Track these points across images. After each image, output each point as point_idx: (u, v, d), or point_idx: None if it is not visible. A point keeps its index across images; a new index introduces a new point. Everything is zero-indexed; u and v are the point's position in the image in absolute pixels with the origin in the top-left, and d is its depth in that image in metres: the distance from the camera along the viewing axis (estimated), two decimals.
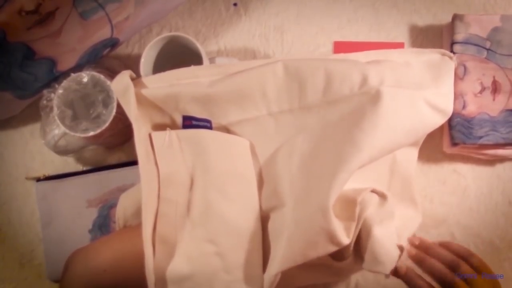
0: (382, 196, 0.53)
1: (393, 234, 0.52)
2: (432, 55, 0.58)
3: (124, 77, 0.53)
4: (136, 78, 0.55)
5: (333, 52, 0.66)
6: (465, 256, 0.50)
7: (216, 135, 0.54)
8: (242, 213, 0.51)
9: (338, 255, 0.52)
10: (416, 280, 0.49)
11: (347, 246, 0.50)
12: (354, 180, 0.51)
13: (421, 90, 0.55)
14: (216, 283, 0.49)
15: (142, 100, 0.53)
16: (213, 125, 0.55)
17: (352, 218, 0.50)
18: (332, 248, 0.48)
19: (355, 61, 0.56)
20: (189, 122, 0.53)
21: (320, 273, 0.55)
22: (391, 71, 0.55)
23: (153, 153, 0.51)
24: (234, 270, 0.49)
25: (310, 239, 0.48)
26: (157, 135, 0.52)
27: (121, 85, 0.52)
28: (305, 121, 0.55)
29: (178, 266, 0.48)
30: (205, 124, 0.54)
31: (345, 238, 0.48)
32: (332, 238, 0.48)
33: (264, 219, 0.53)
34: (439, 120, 0.56)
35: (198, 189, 0.51)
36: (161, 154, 0.51)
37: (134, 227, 0.52)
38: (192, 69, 0.55)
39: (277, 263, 0.48)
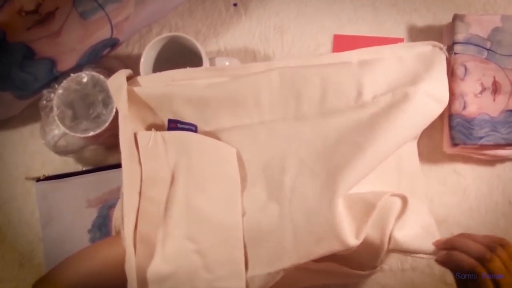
0: (403, 199, 0.52)
1: (418, 231, 0.51)
2: (423, 47, 0.59)
3: (119, 76, 0.53)
4: (133, 77, 0.55)
5: (332, 46, 0.66)
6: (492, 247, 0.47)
7: (201, 138, 0.54)
8: (223, 211, 0.51)
9: (365, 263, 0.52)
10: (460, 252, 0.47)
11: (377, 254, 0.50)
12: (364, 181, 0.52)
13: (418, 84, 0.55)
14: (197, 282, 0.48)
15: (135, 99, 0.53)
16: (203, 130, 0.55)
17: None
18: (337, 246, 0.48)
19: (350, 66, 0.56)
20: (174, 125, 0.54)
21: (331, 276, 0.55)
22: (385, 74, 0.56)
23: (138, 152, 0.51)
24: (216, 268, 0.49)
25: (315, 232, 0.48)
26: (142, 135, 0.52)
27: (115, 83, 0.53)
28: (299, 130, 0.55)
29: (158, 265, 0.48)
30: (190, 127, 0.54)
31: (352, 238, 0.48)
32: (337, 233, 0.47)
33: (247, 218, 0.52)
34: (439, 109, 0.57)
35: (180, 188, 0.51)
36: (145, 153, 0.51)
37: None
38: (188, 71, 0.55)
39: (282, 261, 0.48)
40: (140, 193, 0.50)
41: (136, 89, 0.54)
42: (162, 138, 0.52)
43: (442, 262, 0.46)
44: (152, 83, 0.55)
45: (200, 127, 0.56)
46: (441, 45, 0.59)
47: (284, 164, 0.54)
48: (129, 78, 0.55)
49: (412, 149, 0.61)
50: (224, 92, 0.54)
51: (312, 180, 0.52)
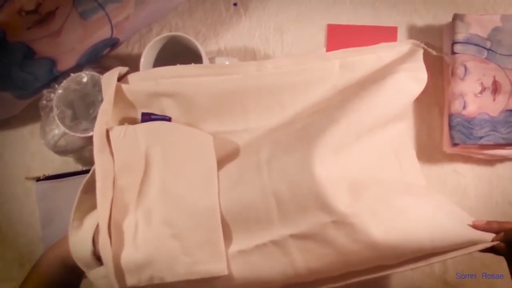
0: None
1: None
2: (402, 47, 0.59)
3: (112, 74, 0.54)
4: (127, 74, 0.55)
5: (326, 35, 0.67)
6: None
7: (175, 125, 0.54)
8: (198, 193, 0.50)
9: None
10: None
11: None
12: (366, 167, 0.52)
13: (396, 67, 0.56)
14: (177, 267, 0.48)
15: (123, 97, 0.54)
16: None
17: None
18: (324, 215, 0.47)
19: (330, 71, 0.57)
20: (148, 117, 0.54)
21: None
22: (363, 79, 0.57)
23: (110, 146, 0.51)
24: (194, 250, 0.48)
25: (300, 203, 0.48)
26: (114, 129, 0.52)
27: (107, 81, 0.53)
28: (279, 134, 0.56)
29: (132, 253, 0.47)
30: (164, 118, 0.54)
31: (341, 204, 0.47)
32: (322, 202, 0.47)
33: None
34: (418, 89, 0.57)
35: (154, 175, 0.51)
36: (117, 145, 0.51)
37: None
38: (177, 68, 0.55)
39: (270, 232, 0.49)
40: (113, 183, 0.50)
41: (124, 86, 0.54)
42: (134, 129, 0.52)
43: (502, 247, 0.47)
44: (142, 81, 0.55)
45: None
46: (419, 43, 0.58)
47: (259, 147, 0.54)
48: (125, 75, 0.55)
49: (402, 135, 0.61)
50: (213, 97, 0.55)
51: (288, 154, 0.51)
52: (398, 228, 0.48)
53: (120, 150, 0.51)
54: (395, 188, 0.54)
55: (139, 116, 0.55)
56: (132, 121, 0.54)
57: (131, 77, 0.55)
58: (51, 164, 0.65)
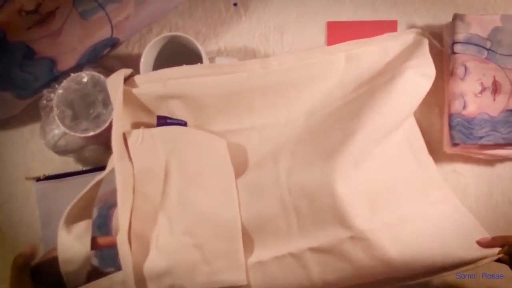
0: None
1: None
2: (407, 36, 0.59)
3: (118, 76, 0.53)
4: (132, 76, 0.55)
5: (326, 32, 0.67)
6: None
7: (191, 131, 0.54)
8: (218, 203, 0.51)
9: None
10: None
11: None
12: (384, 167, 0.54)
13: (402, 66, 0.56)
14: (197, 276, 0.48)
15: (132, 100, 0.53)
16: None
17: None
18: (343, 231, 0.49)
19: (336, 65, 0.57)
20: (164, 121, 0.54)
21: None
22: (369, 69, 0.57)
23: (128, 151, 0.51)
24: (215, 260, 0.49)
25: (319, 218, 0.50)
26: (132, 133, 0.52)
27: (113, 83, 0.53)
28: (289, 134, 0.57)
29: (155, 261, 0.48)
30: (179, 122, 0.54)
31: (360, 220, 0.49)
32: (340, 218, 0.49)
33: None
34: (427, 85, 0.57)
35: (174, 183, 0.51)
36: (135, 151, 0.51)
37: None
38: (184, 69, 0.55)
39: (289, 245, 0.50)
40: (133, 190, 0.50)
41: (133, 90, 0.54)
42: (151, 134, 0.52)
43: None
44: (148, 83, 0.54)
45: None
46: (423, 32, 0.59)
47: (277, 158, 0.54)
48: (129, 77, 0.55)
49: (413, 126, 0.61)
50: (219, 97, 0.55)
51: (307, 168, 0.52)
52: (413, 247, 0.50)
53: (139, 156, 0.51)
54: (414, 193, 0.55)
55: (150, 119, 0.54)
56: (145, 124, 0.54)
57: (138, 79, 0.54)
58: (51, 164, 0.65)
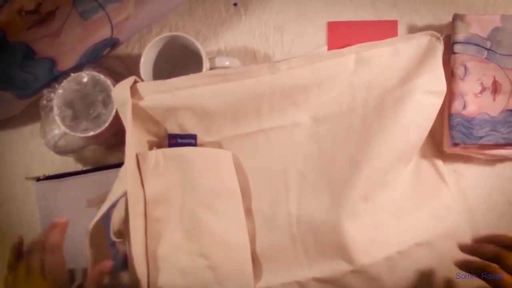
0: None
1: None
2: (421, 39, 0.56)
3: (124, 89, 0.52)
4: (138, 83, 0.54)
5: (327, 33, 0.67)
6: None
7: (200, 152, 0.55)
8: (230, 227, 0.53)
9: None
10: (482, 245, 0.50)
11: None
12: (392, 203, 0.57)
13: (412, 81, 0.55)
14: None
15: (140, 114, 0.54)
16: (205, 141, 0.57)
17: None
18: (347, 266, 0.53)
19: (345, 68, 0.56)
20: (175, 141, 0.55)
21: None
22: (379, 73, 0.56)
23: (139, 172, 0.53)
24: (227, 282, 0.52)
25: (325, 252, 0.54)
26: (144, 156, 0.53)
27: (120, 97, 0.52)
28: (295, 137, 0.58)
29: (172, 280, 0.51)
30: (190, 141, 0.56)
31: (360, 255, 0.53)
32: (344, 255, 0.53)
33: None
34: (438, 102, 0.56)
35: (187, 206, 0.53)
36: (148, 176, 0.53)
37: None
38: (190, 78, 0.54)
39: (296, 274, 0.55)
40: (145, 214, 0.52)
41: (141, 103, 0.53)
42: (163, 156, 0.53)
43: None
44: (155, 94, 0.54)
45: (202, 137, 0.56)
46: (438, 35, 0.56)
47: (286, 178, 0.57)
48: (132, 85, 0.54)
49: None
50: (228, 104, 0.55)
51: (316, 199, 0.55)
52: (409, 279, 0.56)
53: (151, 180, 0.53)
54: (422, 222, 0.58)
55: (159, 130, 0.56)
56: (153, 134, 0.56)
57: (144, 89, 0.53)
58: (51, 164, 0.65)
